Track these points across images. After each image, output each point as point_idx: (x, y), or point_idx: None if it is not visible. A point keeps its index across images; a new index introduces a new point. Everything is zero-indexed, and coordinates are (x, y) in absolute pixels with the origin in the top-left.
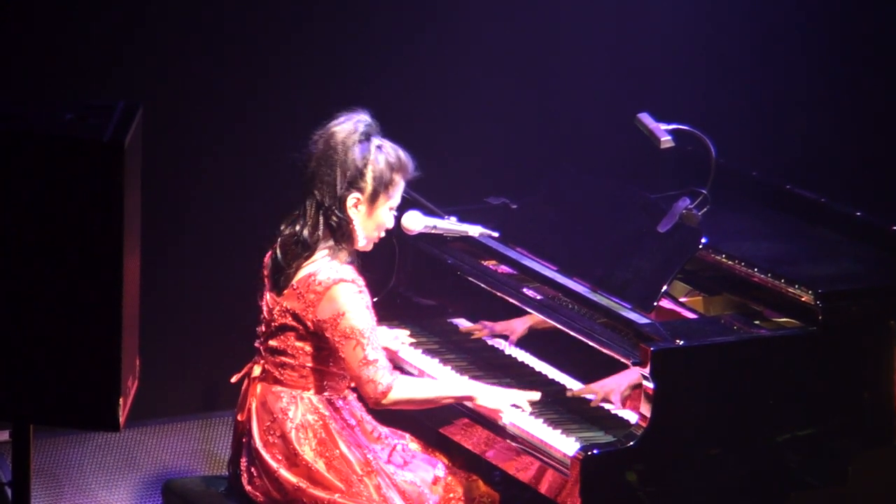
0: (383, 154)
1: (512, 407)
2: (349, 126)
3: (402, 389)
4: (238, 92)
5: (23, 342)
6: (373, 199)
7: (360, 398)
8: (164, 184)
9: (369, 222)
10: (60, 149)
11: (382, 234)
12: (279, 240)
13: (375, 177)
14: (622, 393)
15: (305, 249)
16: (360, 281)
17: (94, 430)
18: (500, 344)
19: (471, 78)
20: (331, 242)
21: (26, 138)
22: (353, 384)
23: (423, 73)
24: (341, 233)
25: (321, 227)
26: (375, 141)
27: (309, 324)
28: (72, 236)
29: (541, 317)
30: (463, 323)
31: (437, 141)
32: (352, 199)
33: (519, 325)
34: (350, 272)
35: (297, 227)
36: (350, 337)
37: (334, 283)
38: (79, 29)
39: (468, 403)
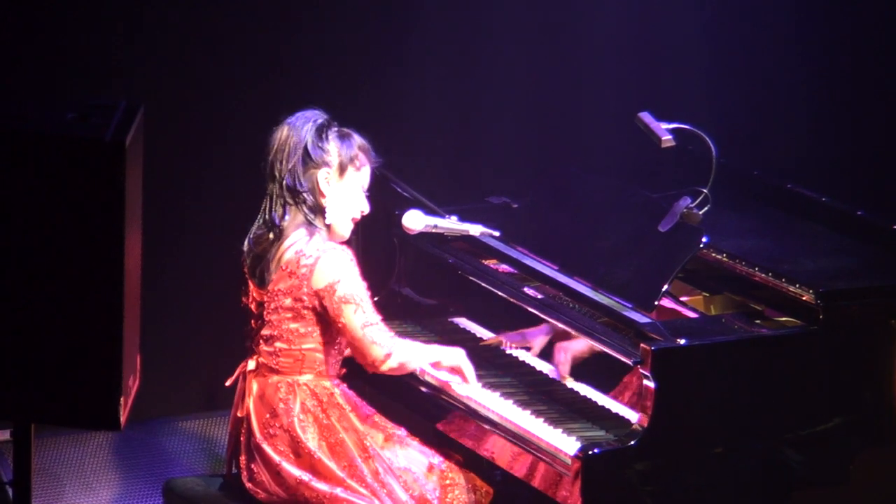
0: (343, 136)
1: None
2: (304, 117)
3: (400, 353)
4: (239, 91)
5: (24, 342)
6: (341, 170)
7: (351, 386)
8: (166, 183)
9: (343, 199)
10: (62, 148)
11: (357, 217)
12: (251, 237)
13: (340, 151)
14: (577, 353)
15: (276, 233)
16: (348, 250)
17: (95, 429)
18: (502, 343)
19: (472, 77)
20: (303, 221)
21: (27, 138)
22: (343, 372)
23: (424, 73)
24: (314, 209)
25: (287, 206)
26: (330, 125)
27: (305, 298)
28: (73, 235)
29: (552, 321)
30: (464, 322)
31: (439, 140)
32: (322, 173)
33: (539, 338)
34: (336, 244)
35: (265, 217)
36: (349, 301)
37: (323, 251)
38: (80, 28)
39: (438, 369)
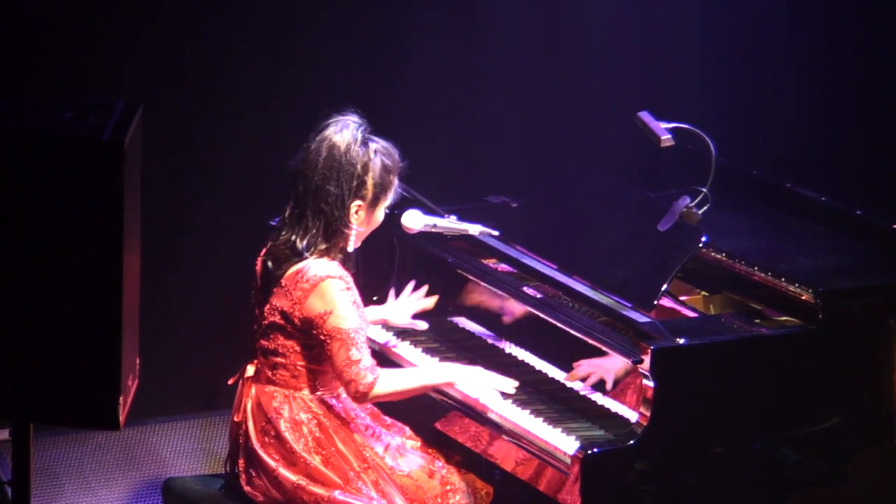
0: (379, 157)
1: (492, 392)
2: (348, 135)
3: (383, 385)
4: (238, 91)
5: (23, 341)
6: (373, 204)
7: None
8: (164, 183)
9: (367, 225)
10: (60, 148)
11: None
12: (270, 244)
13: (376, 183)
14: (616, 373)
15: (298, 256)
16: (348, 277)
17: (94, 429)
18: (501, 343)
19: (472, 77)
20: (323, 246)
21: (26, 137)
22: None
23: (424, 73)
24: (337, 238)
25: (321, 235)
26: (372, 146)
27: (296, 321)
28: (72, 235)
29: (551, 320)
30: (463, 321)
31: (439, 140)
32: (354, 206)
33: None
34: (337, 268)
35: (293, 235)
36: (335, 336)
37: (321, 279)
38: (79, 28)
39: (450, 390)
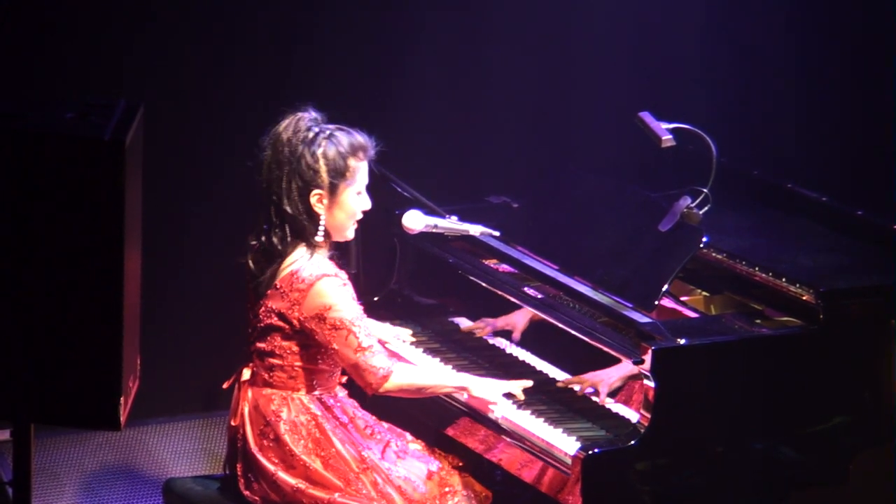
0: (332, 143)
1: (504, 398)
2: (291, 128)
3: (400, 375)
4: (239, 91)
5: (24, 342)
6: (332, 190)
7: (353, 393)
8: (165, 182)
9: (339, 213)
10: (61, 147)
11: (359, 217)
12: (249, 251)
13: (329, 168)
14: (611, 385)
15: (275, 256)
16: (343, 275)
17: (94, 430)
18: (501, 343)
19: (472, 77)
20: (303, 243)
21: (27, 137)
22: (344, 380)
23: (424, 73)
24: (311, 231)
25: (287, 231)
26: (320, 133)
27: (294, 322)
28: (73, 235)
29: (540, 314)
30: (464, 322)
31: (439, 140)
32: (314, 195)
33: (520, 320)
34: (332, 266)
35: (263, 237)
36: (340, 328)
37: (317, 278)
38: (79, 28)
39: (462, 395)
